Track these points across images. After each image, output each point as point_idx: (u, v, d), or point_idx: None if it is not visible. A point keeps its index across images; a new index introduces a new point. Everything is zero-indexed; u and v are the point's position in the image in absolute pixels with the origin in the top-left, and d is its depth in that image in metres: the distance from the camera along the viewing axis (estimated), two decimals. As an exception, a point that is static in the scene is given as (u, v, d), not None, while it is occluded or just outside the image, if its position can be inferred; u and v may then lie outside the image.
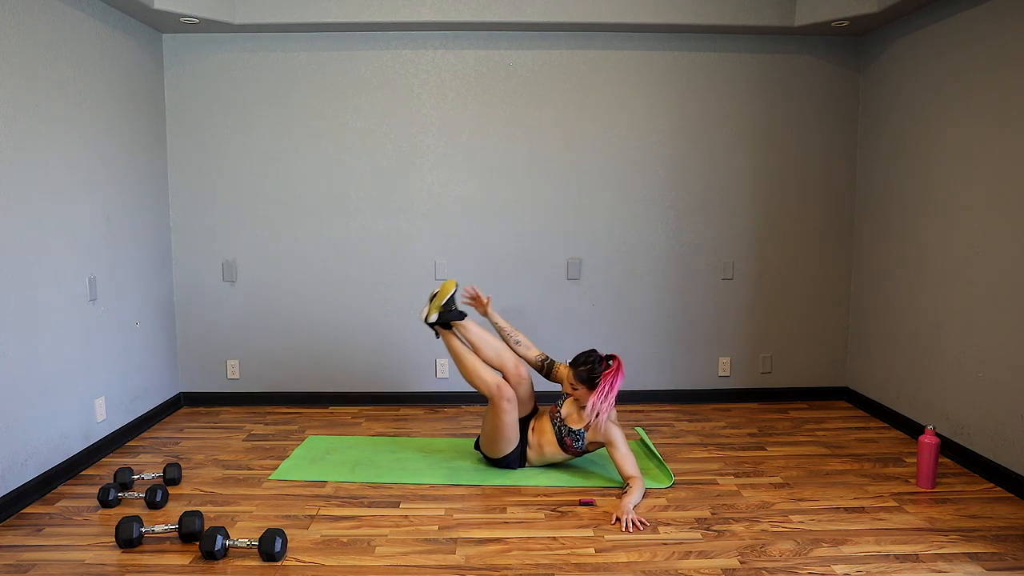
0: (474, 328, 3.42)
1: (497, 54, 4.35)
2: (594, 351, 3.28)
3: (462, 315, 3.42)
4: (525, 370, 3.42)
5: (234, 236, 4.45)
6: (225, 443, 3.86)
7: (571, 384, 3.26)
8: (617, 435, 3.20)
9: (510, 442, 3.34)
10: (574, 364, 3.25)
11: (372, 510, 3.02)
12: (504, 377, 3.35)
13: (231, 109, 4.36)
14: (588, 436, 3.26)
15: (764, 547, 2.68)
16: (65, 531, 2.83)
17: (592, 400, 3.18)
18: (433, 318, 3.39)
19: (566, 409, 3.36)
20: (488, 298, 3.54)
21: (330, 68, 4.34)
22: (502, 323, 3.53)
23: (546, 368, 3.46)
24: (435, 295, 3.43)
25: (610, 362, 3.23)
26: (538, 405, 3.55)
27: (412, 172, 4.42)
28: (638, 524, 2.83)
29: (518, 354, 3.49)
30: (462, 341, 3.43)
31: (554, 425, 3.36)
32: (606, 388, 3.16)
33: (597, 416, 3.17)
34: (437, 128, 4.39)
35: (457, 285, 3.45)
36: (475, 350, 3.40)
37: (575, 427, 3.29)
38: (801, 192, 4.50)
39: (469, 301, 3.55)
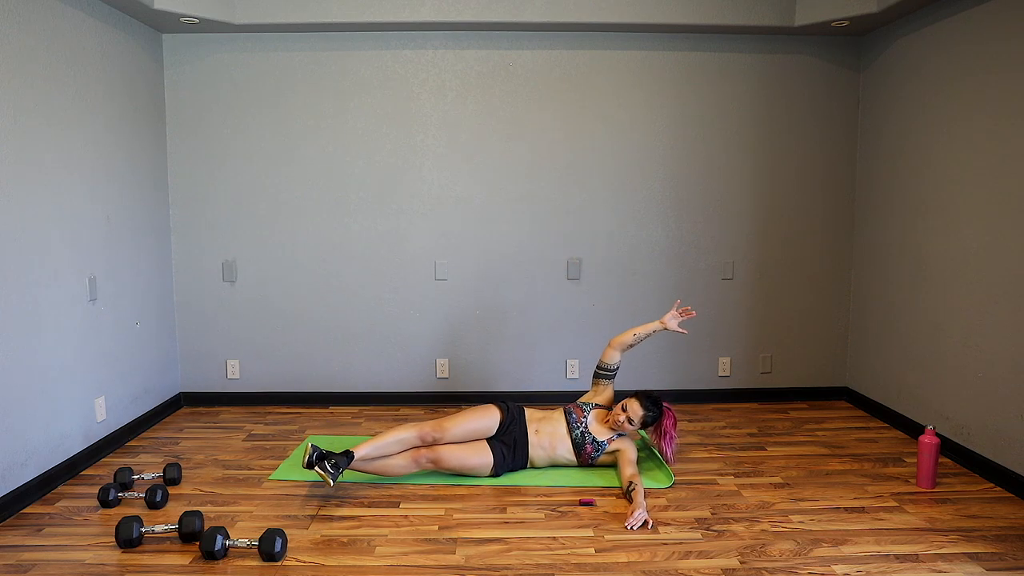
0: (365, 449, 3.15)
1: (497, 54, 4.35)
2: (661, 399, 3.44)
3: (349, 456, 3.09)
4: (433, 427, 3.25)
5: (234, 236, 4.45)
6: (225, 443, 3.86)
7: (627, 416, 3.35)
8: (631, 445, 3.38)
9: (482, 466, 3.32)
10: (644, 405, 3.37)
11: (372, 510, 3.02)
12: (424, 443, 3.26)
13: (231, 109, 4.36)
14: (609, 447, 3.39)
15: (764, 547, 2.68)
16: (65, 531, 2.83)
17: (668, 448, 3.40)
18: (335, 477, 3.00)
19: (593, 424, 3.43)
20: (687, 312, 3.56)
21: (330, 68, 4.34)
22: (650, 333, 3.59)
23: (612, 374, 3.57)
24: (312, 465, 3.00)
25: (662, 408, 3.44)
26: (514, 409, 3.43)
27: (412, 172, 4.42)
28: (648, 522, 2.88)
29: (625, 342, 3.53)
30: (370, 460, 3.20)
31: (573, 431, 3.40)
32: (674, 436, 3.41)
33: (670, 461, 3.44)
34: (437, 128, 4.39)
35: (314, 447, 3.01)
36: (384, 457, 3.21)
37: (601, 438, 3.39)
38: (801, 192, 4.50)
39: (685, 309, 3.56)
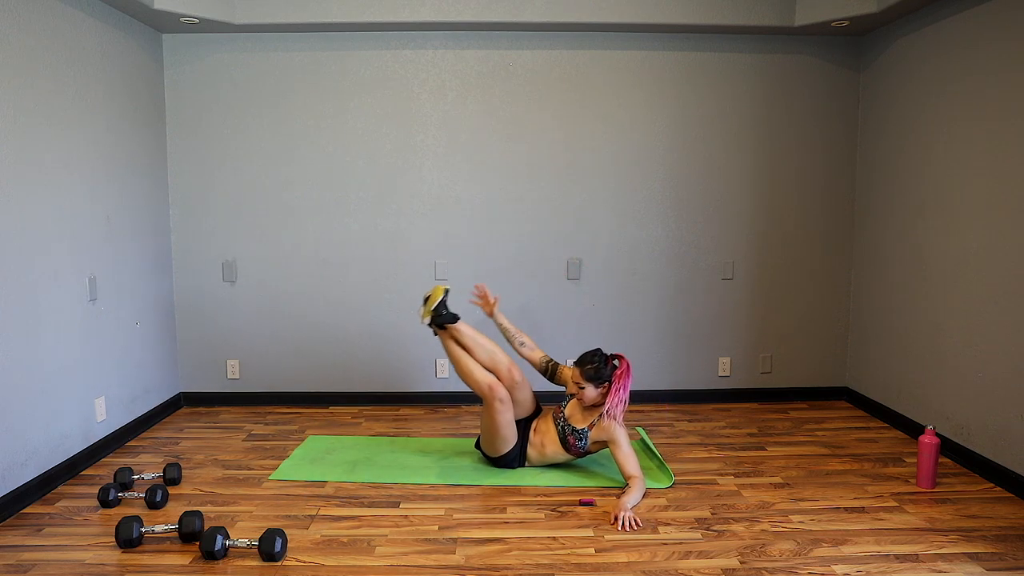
0: (467, 331, 3.45)
1: (497, 54, 4.35)
2: (599, 350, 3.30)
3: (454, 318, 3.45)
4: (519, 374, 3.42)
5: (234, 236, 4.45)
6: (225, 443, 3.86)
7: (576, 384, 3.27)
8: (621, 434, 3.21)
9: (507, 441, 3.35)
10: (580, 363, 3.27)
11: (372, 510, 3.02)
12: (498, 379, 3.36)
13: (231, 109, 4.36)
14: (591, 435, 3.27)
15: (764, 547, 2.68)
16: (65, 531, 2.83)
17: (608, 402, 3.21)
18: (426, 321, 3.46)
19: (569, 410, 3.38)
20: (495, 299, 3.56)
21: (330, 68, 4.34)
22: (507, 324, 3.55)
23: (550, 370, 3.49)
24: (427, 298, 3.49)
25: (616, 362, 3.27)
26: (541, 406, 3.55)
27: (412, 172, 4.42)
28: (634, 523, 2.84)
29: (522, 355, 3.52)
30: (458, 343, 3.45)
31: (557, 425, 3.37)
32: (619, 388, 3.22)
33: (612, 417, 3.21)
34: (437, 128, 4.39)
35: (447, 291, 3.48)
36: (468, 352, 3.43)
37: (579, 426, 3.30)
38: (801, 192, 4.50)
39: (477, 301, 3.58)
